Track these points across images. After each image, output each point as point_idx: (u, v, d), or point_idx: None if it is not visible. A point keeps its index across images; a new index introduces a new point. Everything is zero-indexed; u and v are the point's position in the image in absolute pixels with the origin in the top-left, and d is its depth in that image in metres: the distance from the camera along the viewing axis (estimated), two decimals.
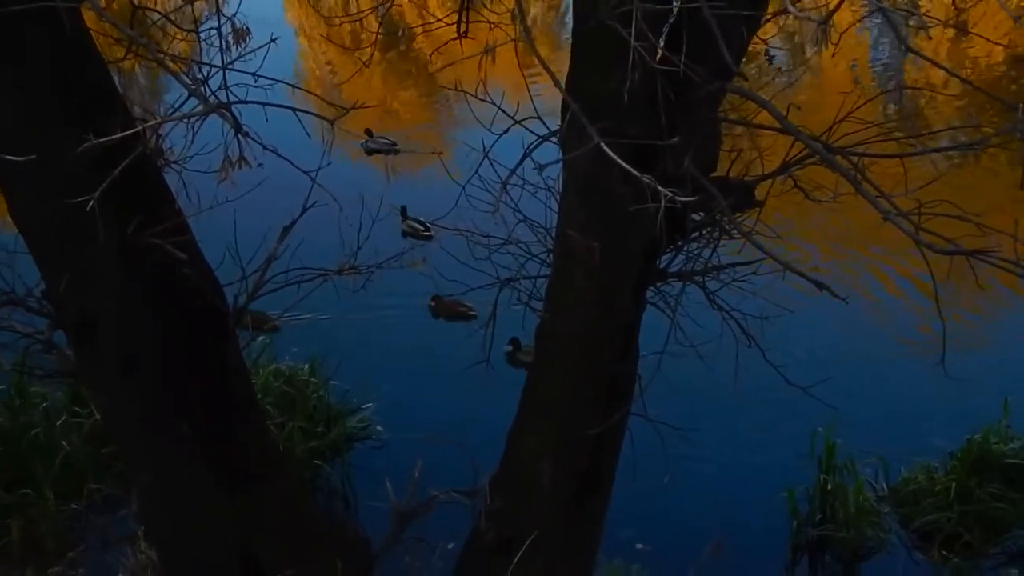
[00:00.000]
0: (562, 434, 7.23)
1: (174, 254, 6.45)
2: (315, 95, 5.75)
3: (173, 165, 6.96)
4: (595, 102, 5.71)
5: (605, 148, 4.71)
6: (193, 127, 5.36)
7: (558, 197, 6.81)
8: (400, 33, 20.07)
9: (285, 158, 5.25)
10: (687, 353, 7.55)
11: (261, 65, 5.44)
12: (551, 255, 7.10)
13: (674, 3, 6.02)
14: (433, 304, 14.67)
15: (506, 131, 6.24)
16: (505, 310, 7.45)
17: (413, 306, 14.61)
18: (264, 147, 4.99)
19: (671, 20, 6.06)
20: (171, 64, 4.98)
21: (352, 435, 12.44)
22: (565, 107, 6.22)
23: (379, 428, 12.43)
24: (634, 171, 4.83)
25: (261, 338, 11.71)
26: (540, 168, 5.63)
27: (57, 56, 6.06)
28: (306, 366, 12.65)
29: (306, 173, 5.86)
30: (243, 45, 6.15)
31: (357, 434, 12.49)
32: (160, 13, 6.90)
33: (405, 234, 16.05)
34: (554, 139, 6.29)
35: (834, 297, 5.97)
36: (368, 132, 18.72)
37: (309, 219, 7.04)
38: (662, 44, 5.69)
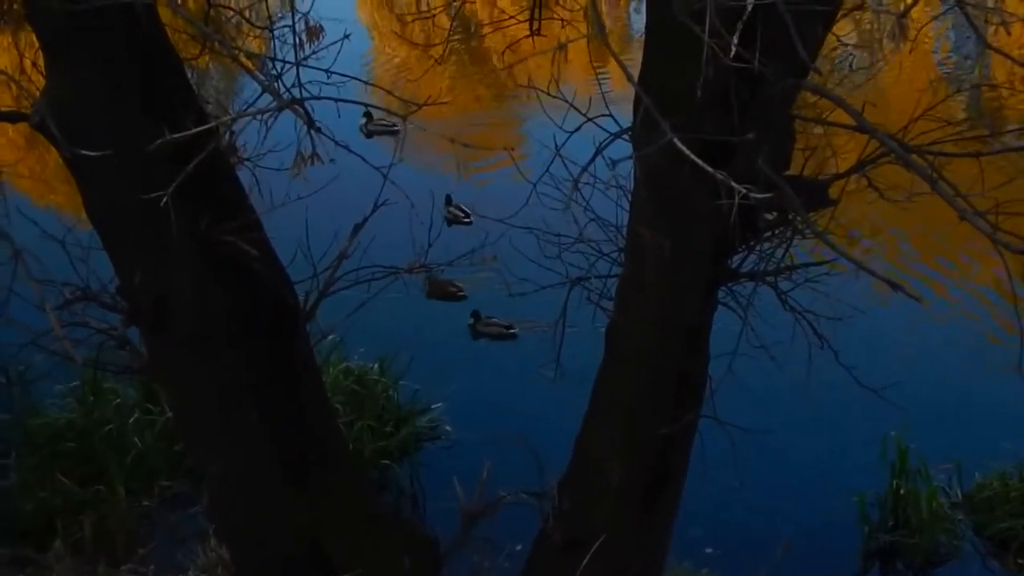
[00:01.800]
0: (631, 434, 7.20)
1: (246, 250, 6.50)
2: (387, 91, 5.76)
3: (246, 162, 7.02)
4: (668, 98, 5.68)
5: (678, 144, 4.69)
6: (266, 124, 5.40)
7: (629, 195, 6.79)
8: (471, 30, 20.03)
9: (357, 154, 5.27)
10: (758, 354, 7.50)
11: (334, 62, 5.46)
12: (622, 254, 7.09)
13: None
14: (427, 283, 14.72)
15: (578, 128, 6.23)
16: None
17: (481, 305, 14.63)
18: (336, 143, 5.01)
19: (745, 16, 6.03)
20: (245, 60, 5.02)
21: (421, 435, 12.50)
22: (637, 104, 6.21)
23: (448, 428, 12.46)
24: (708, 167, 4.81)
25: (331, 336, 11.78)
26: (612, 164, 5.62)
27: (133, 52, 6.13)
28: (375, 365, 12.71)
29: (377, 169, 5.87)
30: (316, 42, 6.19)
31: (426, 434, 12.55)
32: (234, 11, 6.95)
33: (448, 221, 16.08)
34: (626, 136, 6.28)
35: (909, 297, 5.92)
36: (367, 115, 17.87)
37: (380, 216, 7.07)
38: (736, 40, 5.65)
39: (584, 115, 6.01)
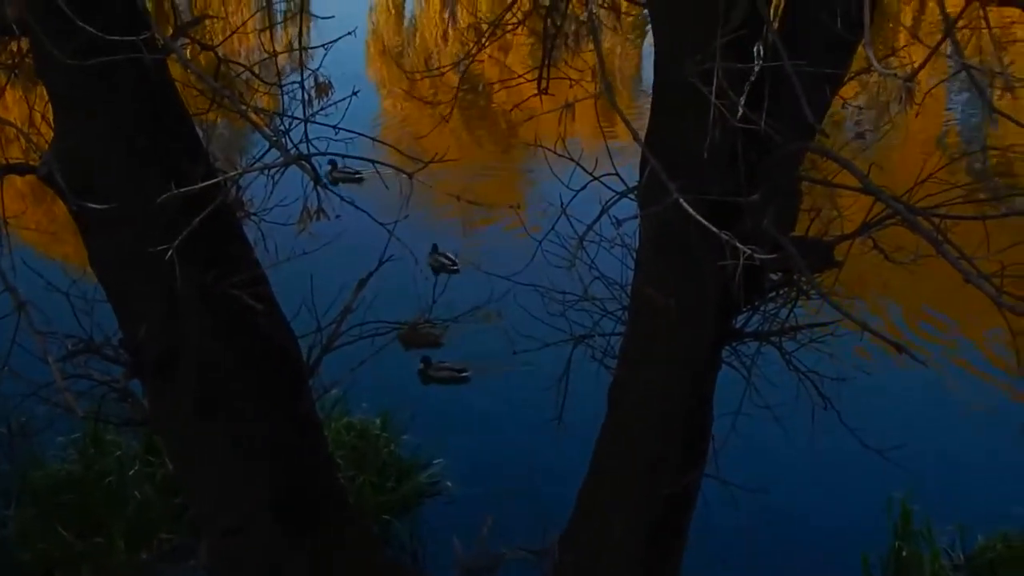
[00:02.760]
0: (634, 492, 7.18)
1: (251, 305, 6.50)
2: (393, 148, 5.77)
3: (252, 217, 7.03)
4: (674, 158, 5.70)
5: (684, 204, 4.70)
6: (273, 179, 5.42)
7: (634, 254, 6.80)
8: (479, 88, 20.05)
9: (363, 210, 5.29)
10: (762, 413, 7.48)
11: (342, 118, 5.48)
12: (626, 312, 7.09)
13: (756, 61, 6.01)
14: (404, 332, 14.47)
15: (583, 188, 6.24)
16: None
17: (485, 357, 14.57)
18: (342, 199, 5.03)
19: (753, 78, 6.05)
20: (253, 116, 5.04)
21: (422, 490, 12.41)
22: (644, 163, 6.23)
23: (449, 484, 12.38)
24: (712, 227, 4.82)
25: (333, 391, 11.77)
26: (618, 223, 5.63)
27: (141, 107, 6.16)
28: (377, 420, 12.65)
29: (383, 225, 5.88)
30: (325, 99, 6.23)
31: (427, 489, 12.45)
32: (244, 66, 6.98)
33: (433, 269, 16.11)
34: (632, 195, 6.29)
35: (913, 359, 5.92)
36: (332, 163, 17.72)
37: (384, 271, 7.08)
38: (743, 102, 5.67)
39: (590, 174, 6.02)
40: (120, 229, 6.24)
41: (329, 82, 6.25)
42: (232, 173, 5.76)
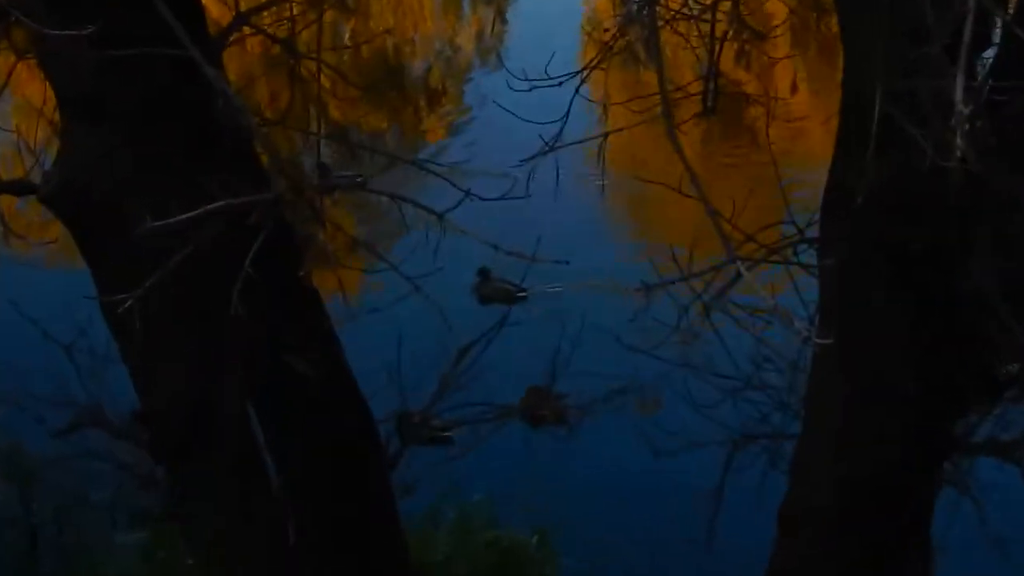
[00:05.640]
0: None
1: (310, 372, 6.52)
2: (410, 201, 5.82)
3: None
4: (862, 197, 5.67)
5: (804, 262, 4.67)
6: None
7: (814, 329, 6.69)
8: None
9: (385, 260, 5.31)
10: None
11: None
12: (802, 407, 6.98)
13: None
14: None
15: (746, 240, 6.21)
16: None
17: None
18: (379, 256, 5.13)
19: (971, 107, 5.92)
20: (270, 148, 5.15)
21: None
22: (826, 205, 6.22)
23: None
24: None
25: (477, 497, 11.94)
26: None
27: (174, 115, 6.24)
28: (533, 538, 12.64)
29: (410, 279, 5.79)
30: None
31: None
32: (319, 60, 7.04)
33: (486, 299, 15.98)
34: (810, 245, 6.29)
35: None
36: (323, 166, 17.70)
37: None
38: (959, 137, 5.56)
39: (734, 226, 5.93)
40: (144, 264, 6.23)
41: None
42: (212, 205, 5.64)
